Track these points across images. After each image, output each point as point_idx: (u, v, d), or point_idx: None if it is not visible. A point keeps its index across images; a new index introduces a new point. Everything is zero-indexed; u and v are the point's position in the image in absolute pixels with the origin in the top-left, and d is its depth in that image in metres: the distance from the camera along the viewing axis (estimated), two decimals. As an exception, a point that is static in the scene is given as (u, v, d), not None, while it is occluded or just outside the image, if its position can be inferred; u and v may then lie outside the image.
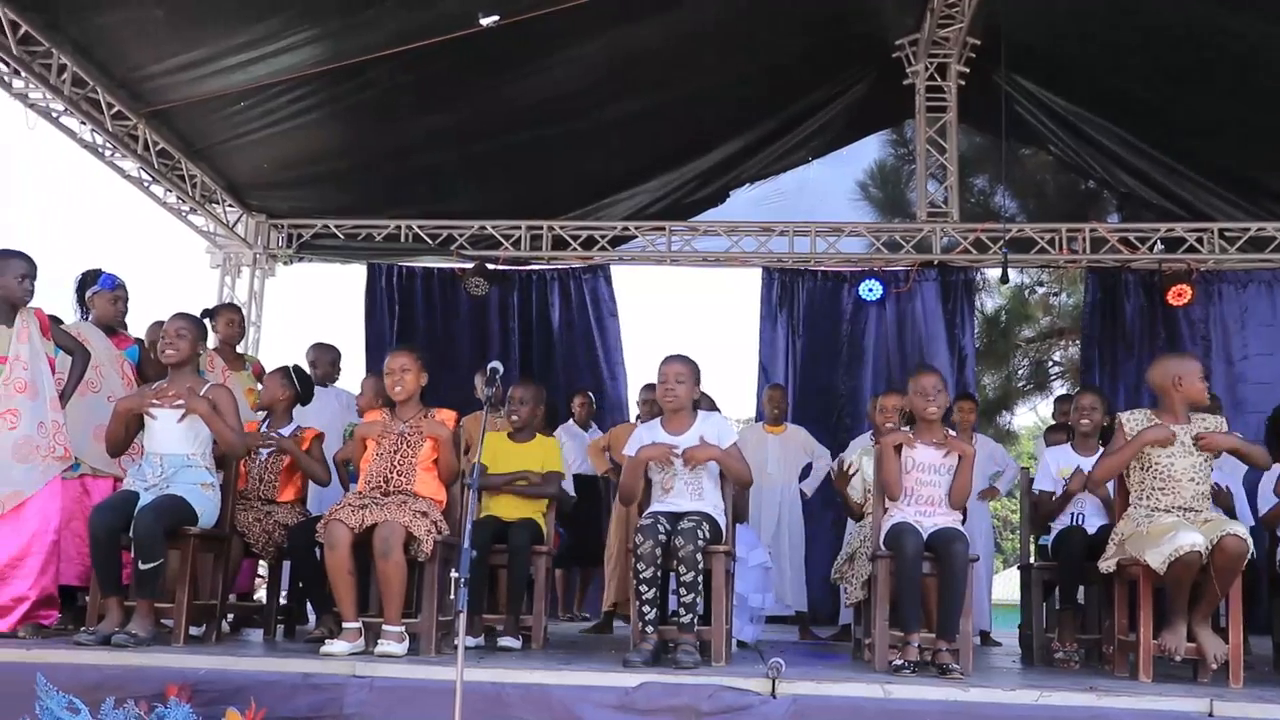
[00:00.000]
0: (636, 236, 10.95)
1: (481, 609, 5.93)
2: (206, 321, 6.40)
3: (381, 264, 10.91)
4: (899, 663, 4.97)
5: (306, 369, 7.17)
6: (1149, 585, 5.01)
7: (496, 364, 4.92)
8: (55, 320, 5.83)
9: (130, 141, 9.05)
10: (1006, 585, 15.67)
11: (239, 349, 7.45)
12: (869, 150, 11.64)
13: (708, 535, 5.08)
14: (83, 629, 5.10)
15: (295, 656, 4.76)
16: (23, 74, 8.00)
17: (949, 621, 5.06)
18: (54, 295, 5.96)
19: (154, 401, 5.37)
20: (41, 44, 7.83)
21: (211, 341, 6.80)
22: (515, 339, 10.84)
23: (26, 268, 5.52)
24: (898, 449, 5.40)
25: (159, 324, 5.97)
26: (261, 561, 6.58)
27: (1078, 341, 11.32)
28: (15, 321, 5.47)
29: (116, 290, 6.29)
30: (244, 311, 9.47)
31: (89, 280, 6.30)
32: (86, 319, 6.27)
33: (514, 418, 6.32)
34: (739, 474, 5.43)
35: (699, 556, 5.00)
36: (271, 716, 4.15)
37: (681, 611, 5.03)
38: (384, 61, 8.45)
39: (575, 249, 10.77)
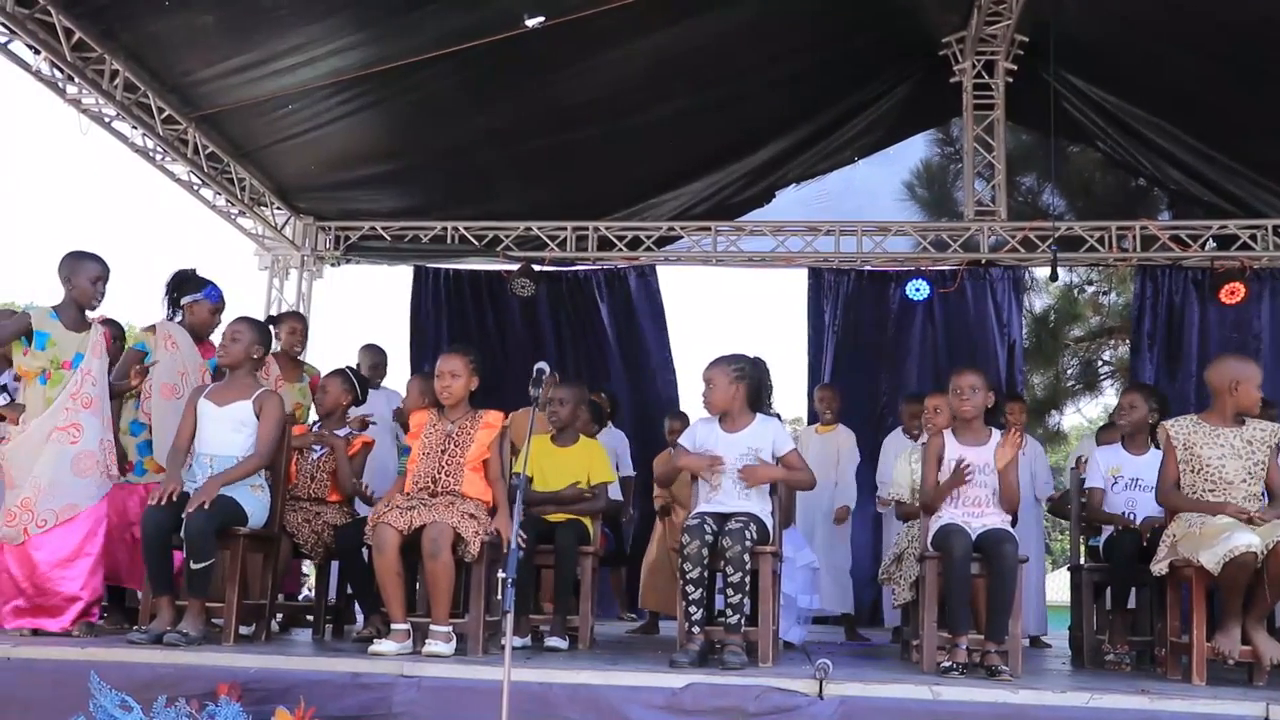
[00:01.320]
0: (682, 237, 10.91)
1: (528, 609, 5.96)
2: (271, 328, 6.28)
3: (428, 266, 10.96)
4: (947, 664, 4.95)
5: (355, 371, 7.17)
6: (1202, 587, 4.95)
7: (543, 365, 4.92)
8: (115, 331, 5.85)
9: (180, 145, 9.14)
10: (1056, 586, 15.53)
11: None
12: (915, 149, 11.56)
13: (755, 536, 5.07)
14: (135, 628, 5.17)
15: (344, 656, 4.80)
16: (76, 80, 8.09)
17: (998, 623, 5.03)
18: (107, 299, 5.96)
19: (211, 400, 5.44)
20: (94, 50, 7.91)
21: (274, 347, 6.75)
22: (566, 339, 10.84)
23: (100, 270, 5.58)
24: (938, 458, 5.38)
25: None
26: (308, 561, 6.61)
27: (1127, 341, 11.17)
28: (91, 333, 5.53)
29: (218, 305, 6.18)
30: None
31: (188, 282, 6.17)
32: (173, 319, 6.16)
33: (554, 418, 6.31)
34: (801, 483, 5.48)
35: (746, 557, 4.99)
36: (321, 715, 4.19)
37: (728, 612, 5.03)
38: (430, 63, 8.47)
39: (621, 249, 10.74)
